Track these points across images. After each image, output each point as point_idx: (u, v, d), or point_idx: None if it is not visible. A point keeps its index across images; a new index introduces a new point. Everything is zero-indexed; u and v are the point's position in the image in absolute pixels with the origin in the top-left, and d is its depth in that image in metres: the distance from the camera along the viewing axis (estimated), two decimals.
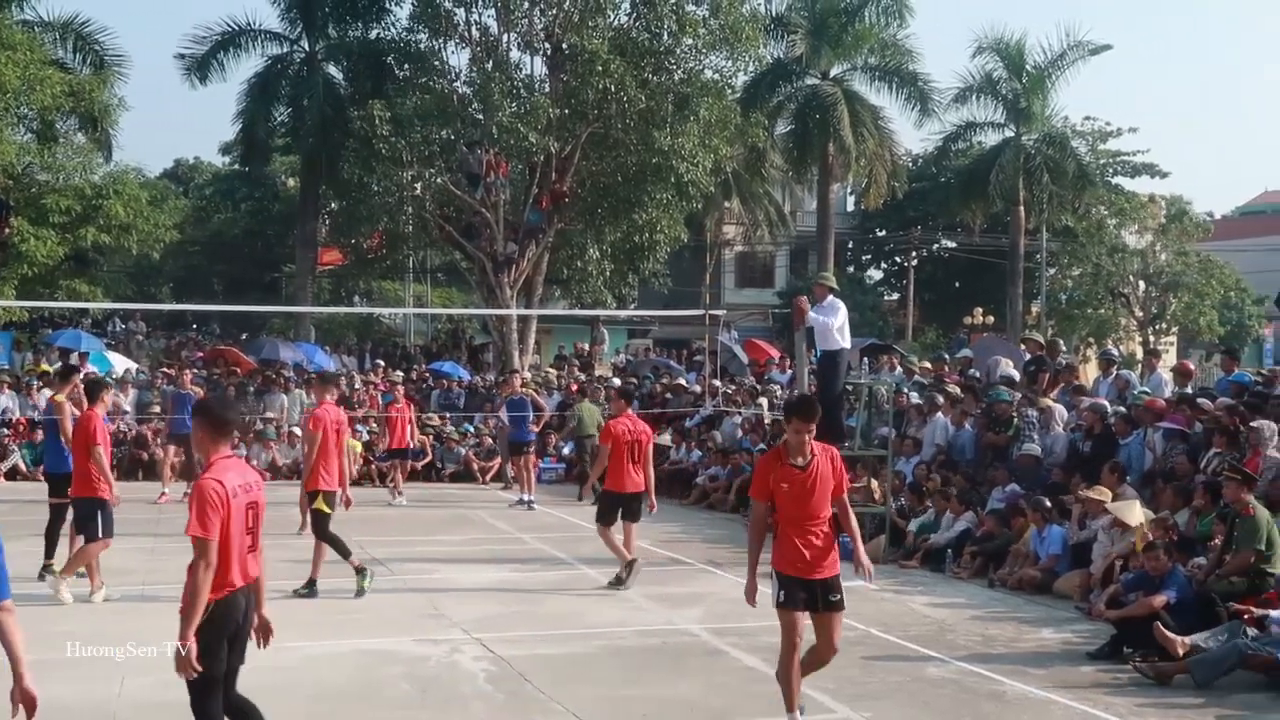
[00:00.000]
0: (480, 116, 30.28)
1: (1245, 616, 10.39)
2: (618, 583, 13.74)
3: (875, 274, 62.88)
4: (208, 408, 6.66)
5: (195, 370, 29.41)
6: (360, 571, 12.97)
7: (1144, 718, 9.03)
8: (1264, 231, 63.92)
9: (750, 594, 8.30)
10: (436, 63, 31.80)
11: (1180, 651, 10.09)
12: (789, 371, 25.05)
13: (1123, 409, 16.34)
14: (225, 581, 6.21)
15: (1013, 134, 43.81)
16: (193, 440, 8.48)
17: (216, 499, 6.15)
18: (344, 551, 12.97)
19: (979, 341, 34.03)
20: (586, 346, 38.81)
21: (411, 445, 23.06)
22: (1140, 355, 39.93)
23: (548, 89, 31.17)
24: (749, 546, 8.46)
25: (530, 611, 12.42)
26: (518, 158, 30.58)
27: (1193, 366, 20.22)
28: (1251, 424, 13.97)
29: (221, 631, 6.23)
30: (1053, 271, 49.87)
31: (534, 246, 31.94)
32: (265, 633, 6.73)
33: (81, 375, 15.77)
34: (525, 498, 21.11)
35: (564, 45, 30.48)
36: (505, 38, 31.48)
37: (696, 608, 12.71)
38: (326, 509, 12.91)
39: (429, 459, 25.87)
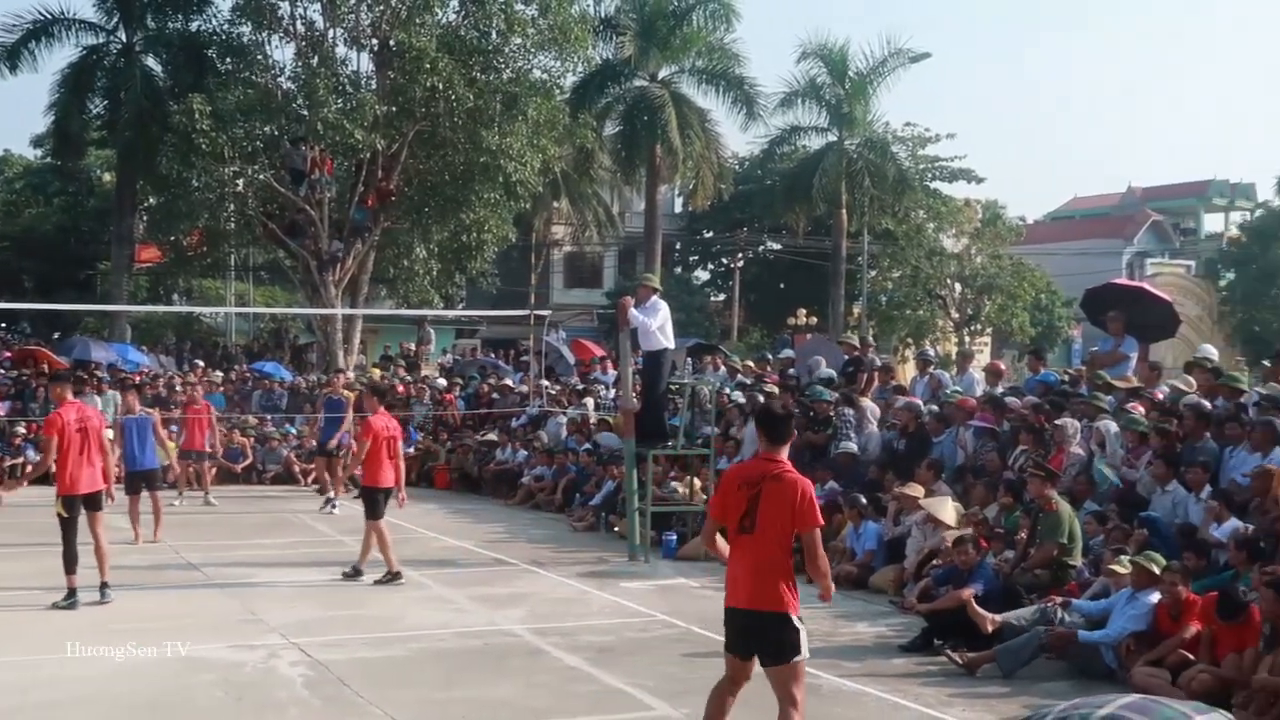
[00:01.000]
0: (305, 112, 29.74)
1: (1051, 601, 10.84)
2: (355, 574, 14.13)
3: (702, 275, 63.55)
4: None
5: (4, 370, 28.33)
6: (71, 593, 12.18)
7: (952, 707, 9.29)
8: (1073, 236, 66.32)
9: None
10: (260, 57, 31.13)
11: (990, 628, 10.49)
12: (614, 372, 25.14)
13: (936, 408, 16.80)
14: None
15: (836, 138, 44.70)
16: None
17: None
18: (70, 564, 12.25)
19: (803, 342, 34.63)
20: (413, 346, 38.41)
21: (209, 448, 22.32)
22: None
23: (374, 86, 30.78)
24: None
25: (350, 615, 12.25)
26: (343, 155, 30.10)
27: (1004, 366, 20.90)
28: (1056, 422, 14.49)
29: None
30: (874, 273, 50.96)
31: (360, 245, 31.51)
32: None
33: None
34: (330, 498, 20.78)
35: (391, 42, 30.11)
36: (331, 33, 30.99)
37: (519, 608, 12.69)
38: (64, 513, 12.32)
39: (250, 461, 25.35)
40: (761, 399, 19.27)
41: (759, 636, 6.91)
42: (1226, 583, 9.80)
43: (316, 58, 30.19)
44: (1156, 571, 10.19)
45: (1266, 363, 16.85)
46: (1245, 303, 52.51)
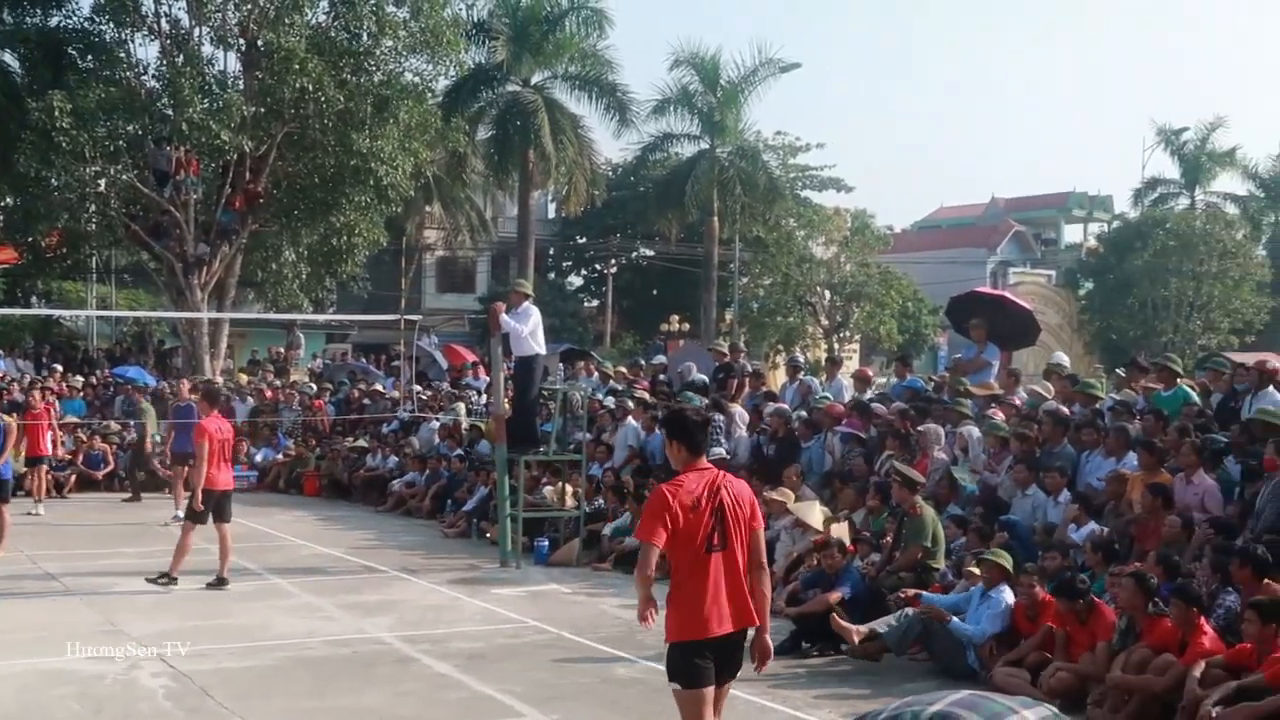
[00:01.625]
0: (170, 112, 29.08)
1: (904, 594, 11.07)
2: (219, 584, 13.92)
3: (576, 281, 63.59)
4: None
5: None
6: None
7: (819, 709, 9.42)
8: (939, 245, 67.63)
9: None
10: (123, 54, 30.36)
11: (856, 639, 10.65)
12: (486, 377, 25.04)
13: (805, 413, 17.01)
14: None
15: (708, 146, 45.09)
16: None
17: None
18: None
19: (675, 348, 34.84)
20: (282, 351, 37.81)
21: (52, 453, 21.70)
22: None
23: (242, 86, 30.22)
24: None
25: (215, 624, 12.03)
26: (210, 156, 29.50)
27: (872, 373, 21.26)
28: (919, 428, 14.79)
29: None
30: (745, 280, 51.42)
31: (226, 247, 30.91)
32: None
33: None
34: (177, 514, 19.96)
35: (259, 42, 29.58)
36: (197, 31, 30.34)
37: (389, 615, 12.57)
38: None
39: (111, 468, 24.73)
40: (631, 404, 19.39)
41: (735, 655, 6.45)
42: (1067, 578, 10.09)
43: (182, 56, 29.55)
44: (1006, 566, 10.49)
45: (1121, 370, 17.40)
46: (1103, 311, 53.98)
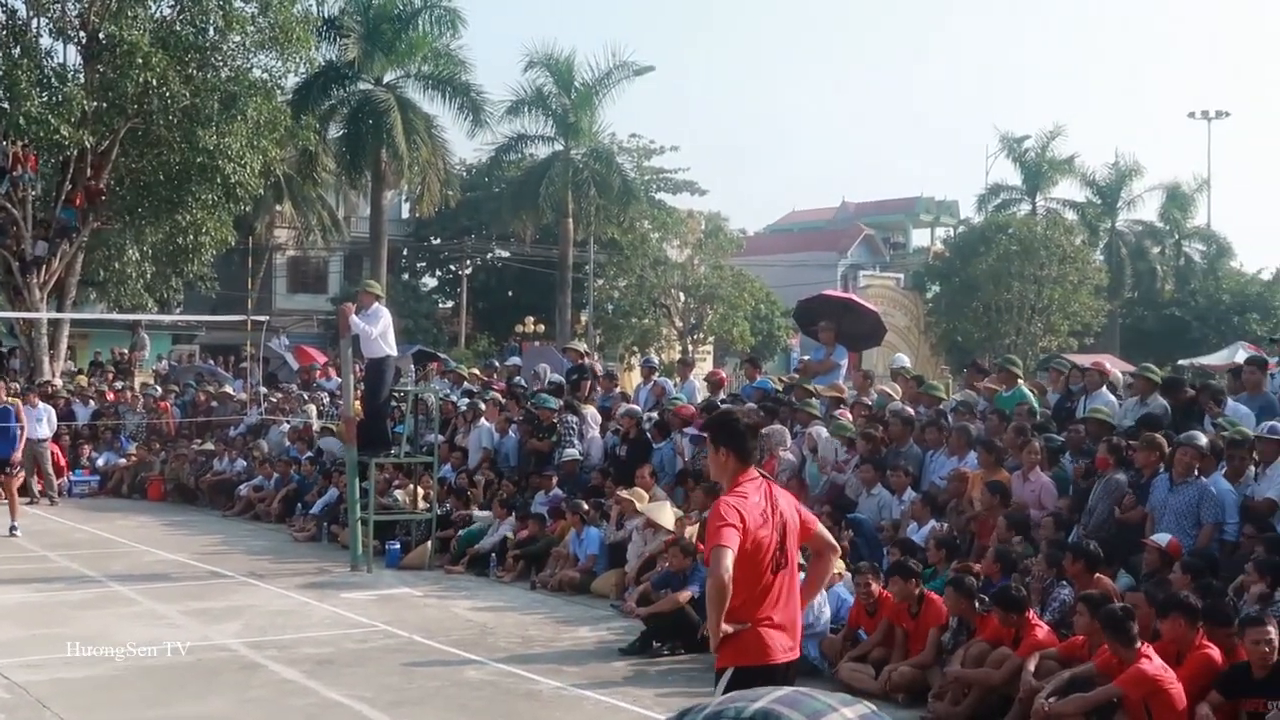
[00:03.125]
0: (6, 105, 28.17)
1: None
2: None
3: (430, 281, 63.07)
4: None
5: None
6: None
7: (668, 707, 9.50)
8: (791, 248, 68.65)
9: None
10: None
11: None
12: (337, 378, 24.74)
13: (657, 415, 17.15)
14: None
15: (562, 148, 45.10)
16: None
17: None
18: None
19: (530, 350, 34.80)
20: (126, 352, 36.87)
21: None
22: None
23: (83, 80, 29.38)
24: None
25: (53, 634, 11.68)
26: (48, 151, 28.61)
27: (725, 375, 21.50)
28: (764, 429, 14.94)
29: None
30: (600, 282, 51.57)
31: (67, 245, 30.00)
32: None
33: None
34: (11, 524, 18.79)
35: (100, 34, 28.78)
36: (35, 22, 29.44)
37: (235, 622, 12.36)
38: None
39: None
40: (483, 406, 19.30)
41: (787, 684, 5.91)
42: (901, 563, 10.37)
43: (19, 48, 28.64)
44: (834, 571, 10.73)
45: (965, 371, 17.89)
46: (949, 314, 55.19)
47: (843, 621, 10.75)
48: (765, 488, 5.81)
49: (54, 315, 30.18)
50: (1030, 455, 12.13)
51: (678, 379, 20.53)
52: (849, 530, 12.32)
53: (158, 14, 29.56)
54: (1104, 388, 13.90)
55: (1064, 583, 10.00)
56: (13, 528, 18.47)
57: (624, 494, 14.62)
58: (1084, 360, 18.06)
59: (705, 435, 6.29)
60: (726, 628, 5.65)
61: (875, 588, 10.38)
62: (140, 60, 27.43)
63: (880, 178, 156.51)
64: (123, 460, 25.22)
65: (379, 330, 15.55)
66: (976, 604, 9.67)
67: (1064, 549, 10.24)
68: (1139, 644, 8.23)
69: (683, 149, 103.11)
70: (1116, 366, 18.58)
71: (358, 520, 15.99)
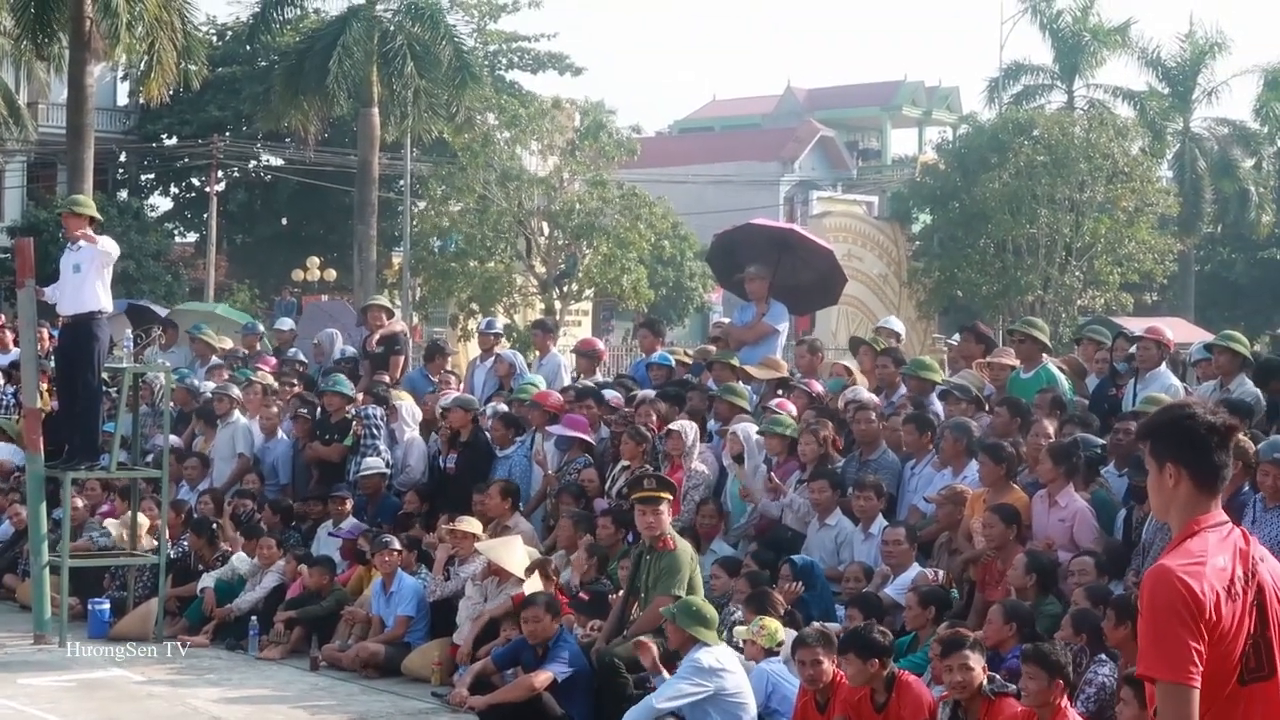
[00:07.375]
0: None
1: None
2: None
3: (162, 203, 62.54)
4: None
5: None
6: None
7: None
8: (710, 156, 67.63)
9: None
10: None
11: None
12: (15, 350, 24.37)
13: (504, 406, 17.08)
14: None
15: (364, 1, 44.76)
16: None
17: None
18: None
19: (313, 307, 34.61)
20: None
21: None
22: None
23: None
24: None
25: None
26: None
27: (601, 347, 21.47)
28: (669, 427, 14.88)
29: None
30: (422, 206, 51.32)
31: None
32: None
33: None
34: None
35: None
36: None
37: None
38: None
39: None
40: (237, 394, 19.13)
41: None
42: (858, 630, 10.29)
43: None
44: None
45: (960, 337, 17.86)
46: (945, 256, 54.49)
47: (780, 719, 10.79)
48: (1236, 538, 5.04)
49: None
50: (1049, 465, 12.17)
51: (535, 352, 20.50)
52: (797, 581, 12.25)
53: None
54: (1163, 365, 13.98)
55: (1102, 658, 10.06)
56: None
57: (455, 526, 14.54)
58: (1140, 325, 17.99)
59: (1145, 443, 5.36)
60: None
61: (827, 666, 10.28)
62: None
63: (844, 53, 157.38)
64: None
65: (91, 270, 15.39)
66: (987, 683, 9.60)
67: (1106, 605, 10.24)
68: None
69: (550, 8, 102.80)
70: (1188, 334, 18.83)
71: (44, 568, 15.77)
